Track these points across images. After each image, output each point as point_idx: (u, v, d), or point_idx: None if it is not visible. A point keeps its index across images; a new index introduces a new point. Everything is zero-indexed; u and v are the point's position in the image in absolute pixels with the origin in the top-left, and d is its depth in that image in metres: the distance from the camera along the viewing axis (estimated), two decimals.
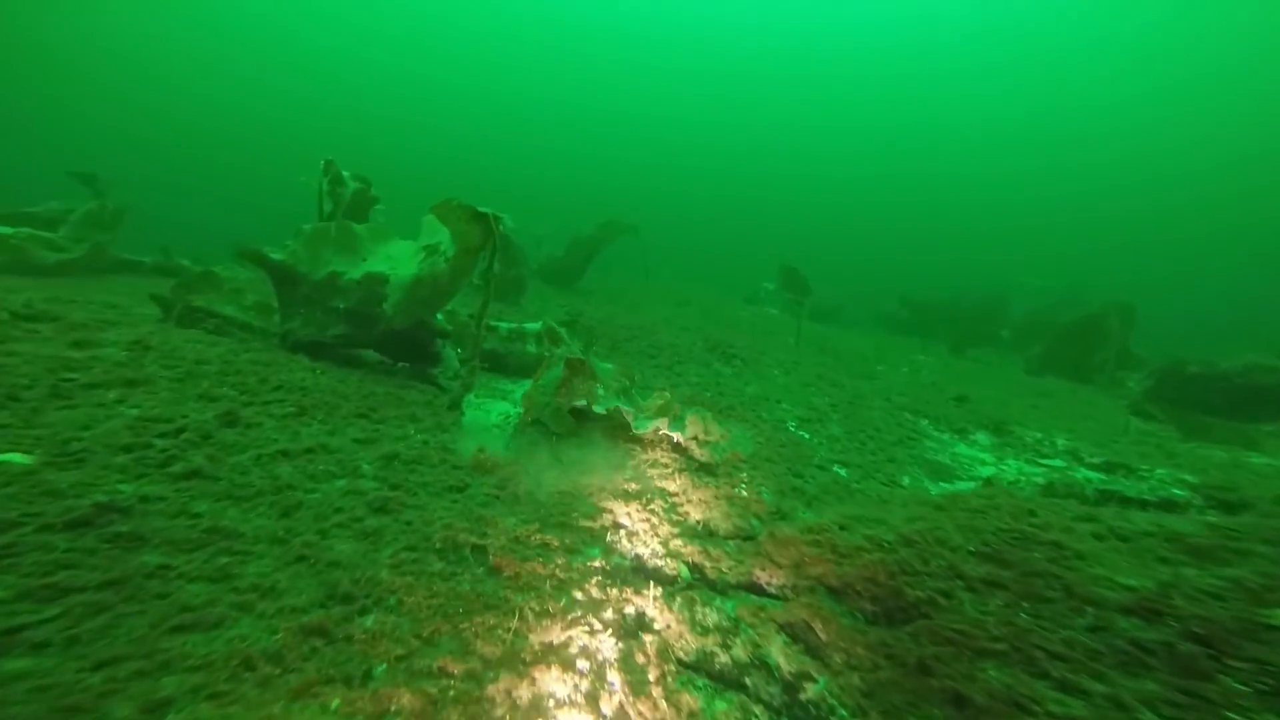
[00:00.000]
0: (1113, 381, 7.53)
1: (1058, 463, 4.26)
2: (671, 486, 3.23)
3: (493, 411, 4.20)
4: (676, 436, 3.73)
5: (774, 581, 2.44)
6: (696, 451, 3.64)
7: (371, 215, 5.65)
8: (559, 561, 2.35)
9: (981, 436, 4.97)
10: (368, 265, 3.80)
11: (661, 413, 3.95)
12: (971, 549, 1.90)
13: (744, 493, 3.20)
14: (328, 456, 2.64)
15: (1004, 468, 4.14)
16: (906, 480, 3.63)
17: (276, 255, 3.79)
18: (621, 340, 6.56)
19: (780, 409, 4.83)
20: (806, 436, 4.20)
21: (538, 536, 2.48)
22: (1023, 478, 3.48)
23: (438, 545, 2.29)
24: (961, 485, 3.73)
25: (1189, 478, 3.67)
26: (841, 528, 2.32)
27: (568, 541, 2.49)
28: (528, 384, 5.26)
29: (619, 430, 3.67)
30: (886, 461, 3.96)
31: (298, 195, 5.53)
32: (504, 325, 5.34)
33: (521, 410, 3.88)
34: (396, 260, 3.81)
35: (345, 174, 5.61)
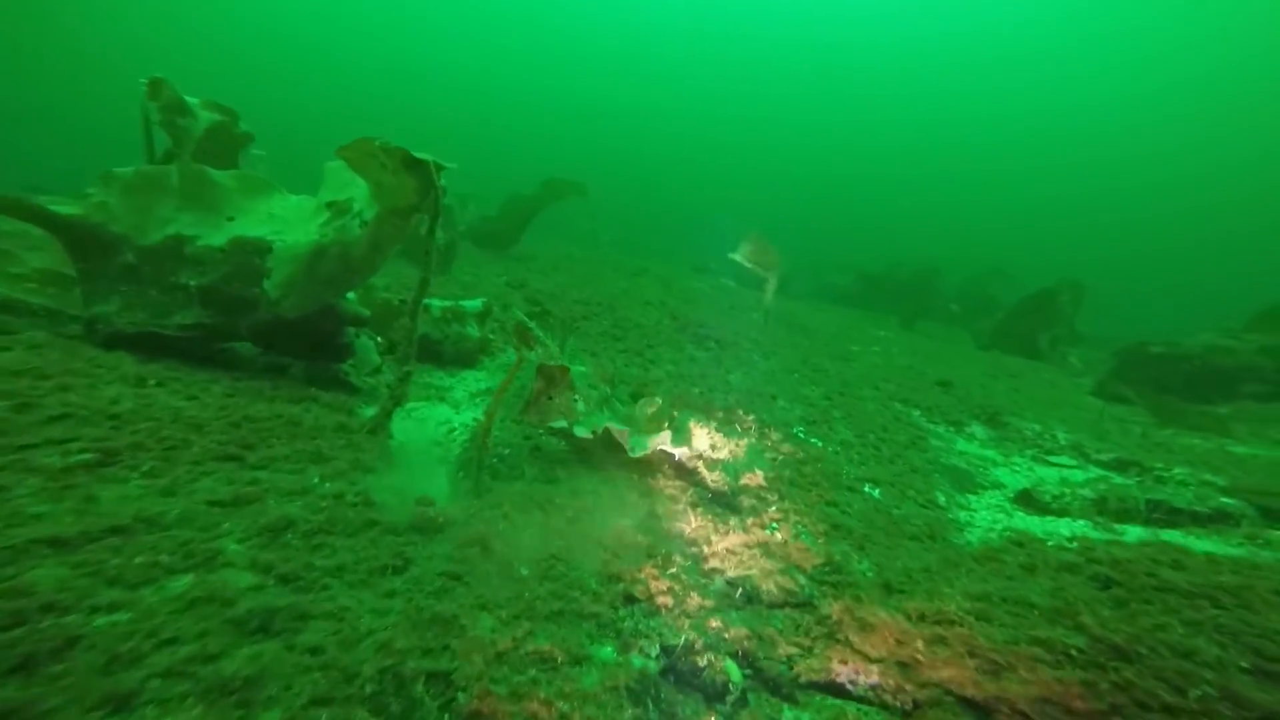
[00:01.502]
0: (1061, 359, 7.83)
1: (1067, 460, 4.07)
2: (688, 530, 2.52)
3: (429, 420, 3.22)
4: (679, 454, 3.01)
5: (864, 681, 1.83)
6: (706, 475, 2.95)
7: (244, 162, 4.17)
8: (566, 686, 1.57)
9: (978, 429, 4.74)
10: (236, 227, 2.61)
11: (656, 424, 3.19)
12: (1244, 665, 1.35)
13: (779, 535, 2.57)
14: (156, 535, 1.62)
15: (1024, 471, 3.86)
16: (941, 498, 3.19)
17: (67, 208, 2.48)
18: (579, 318, 5.65)
19: (777, 406, 4.25)
20: (819, 444, 3.65)
21: (530, 645, 1.67)
22: (1066, 490, 3.14)
23: (368, 689, 1.43)
24: (990, 497, 3.36)
25: (1211, 478, 3.55)
26: (976, 615, 1.72)
27: (571, 645, 1.71)
28: (469, 377, 4.28)
29: (610, 455, 2.87)
30: (909, 472, 3.51)
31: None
32: (437, 304, 4.25)
33: (475, 427, 2.95)
34: (283, 221, 2.66)
35: (192, 100, 4.04)
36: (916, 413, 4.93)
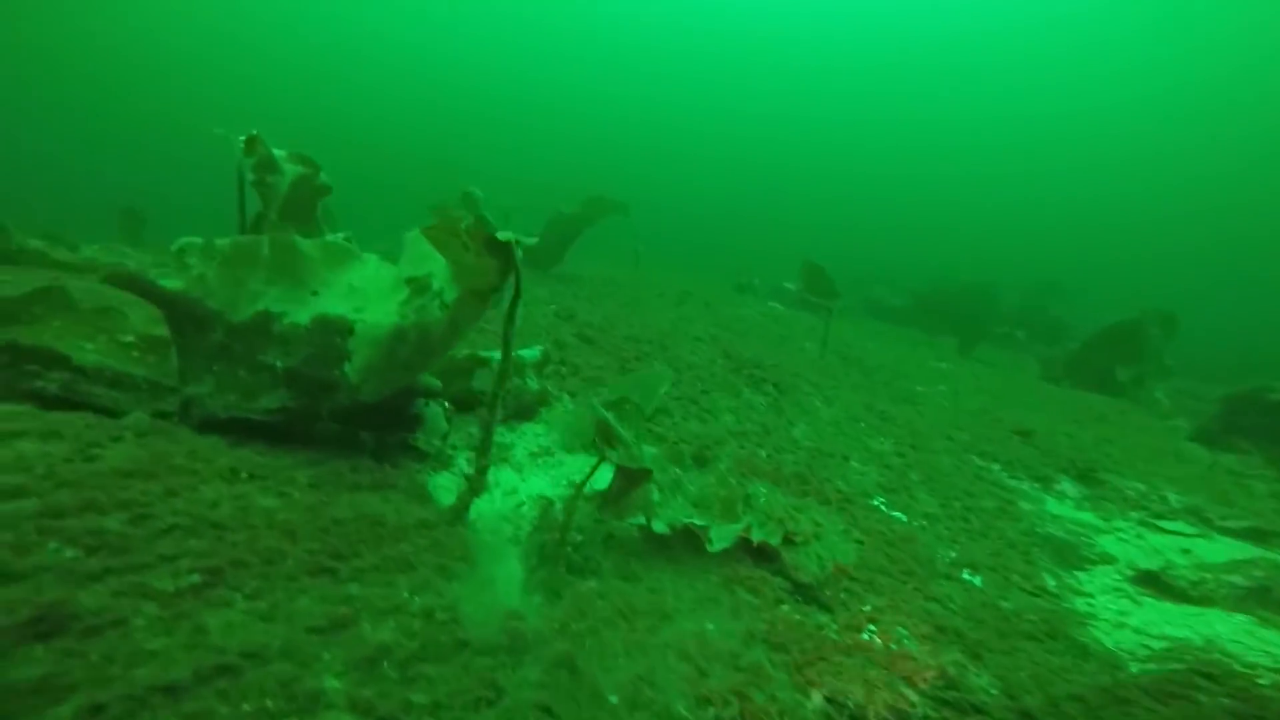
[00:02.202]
0: (1148, 397, 7.29)
1: (1185, 527, 3.71)
2: (774, 635, 2.36)
3: (496, 490, 3.16)
4: (757, 541, 2.86)
5: None
6: (789, 564, 2.79)
7: (321, 216, 4.22)
8: None
9: (1068, 486, 4.40)
10: (321, 303, 2.63)
11: (729, 509, 3.05)
12: None
13: (878, 639, 2.38)
14: (260, 673, 1.58)
15: (1133, 540, 3.54)
16: (1049, 580, 2.92)
17: (171, 282, 2.56)
18: (631, 359, 5.57)
19: (851, 469, 4.04)
20: (903, 519, 3.44)
21: None
22: (1202, 572, 2.83)
23: None
24: (1104, 576, 3.07)
25: None
26: None
27: None
28: (528, 431, 4.22)
29: (688, 547, 2.76)
30: (1006, 548, 3.25)
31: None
32: (493, 355, 4.24)
33: (546, 508, 2.88)
34: (364, 295, 2.67)
35: (279, 153, 4.05)
36: (997, 467, 4.63)
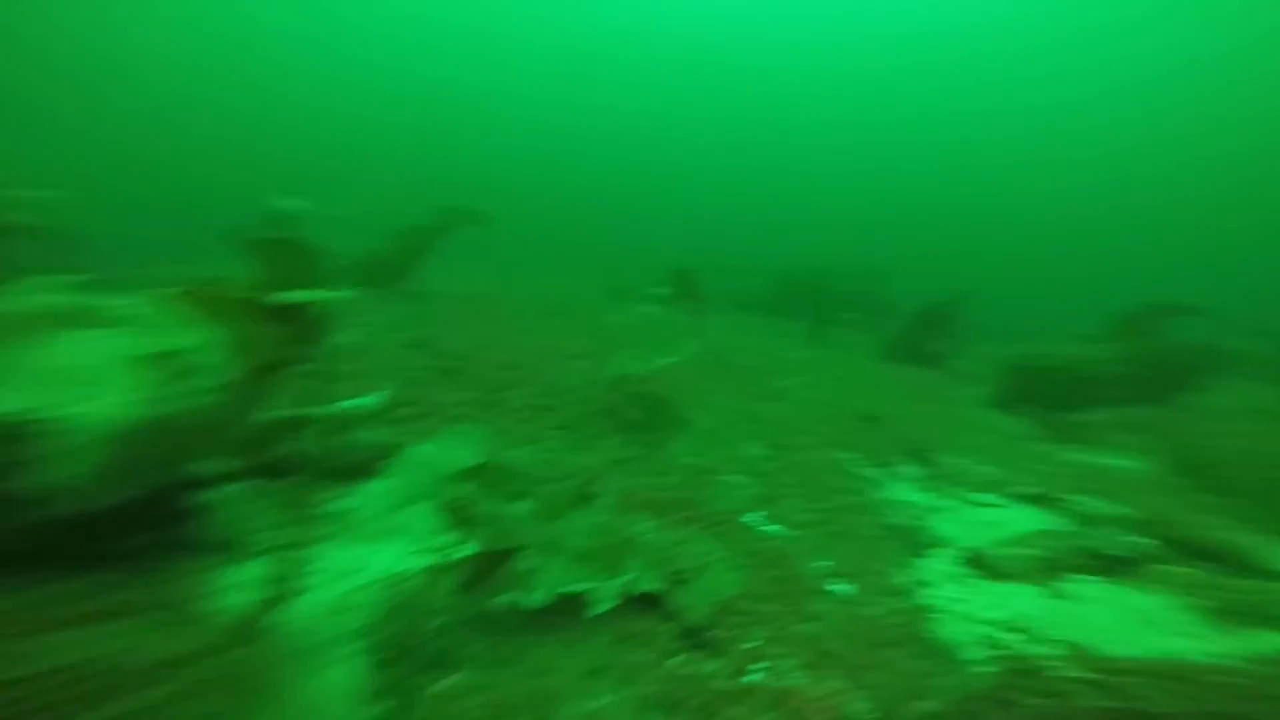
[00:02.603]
0: (954, 367, 8.68)
1: (993, 498, 4.41)
2: (668, 696, 2.31)
3: (326, 575, 2.67)
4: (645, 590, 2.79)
5: None
6: (675, 608, 2.77)
7: None
8: None
9: (907, 468, 5.01)
10: None
11: (613, 560, 2.95)
12: None
13: (766, 680, 2.44)
14: None
15: (957, 516, 4.11)
16: (902, 577, 3.26)
17: None
18: (498, 388, 5.19)
19: (727, 485, 4.17)
20: (778, 532, 3.61)
21: None
22: (1009, 549, 3.34)
23: None
24: (942, 561, 3.51)
25: (1119, 509, 4.00)
26: None
27: None
28: (375, 490, 3.70)
29: (569, 613, 2.59)
30: (866, 547, 3.57)
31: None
32: (319, 411, 3.62)
33: (385, 599, 2.49)
34: (69, 380, 2.03)
35: None
36: (852, 457, 5.12)
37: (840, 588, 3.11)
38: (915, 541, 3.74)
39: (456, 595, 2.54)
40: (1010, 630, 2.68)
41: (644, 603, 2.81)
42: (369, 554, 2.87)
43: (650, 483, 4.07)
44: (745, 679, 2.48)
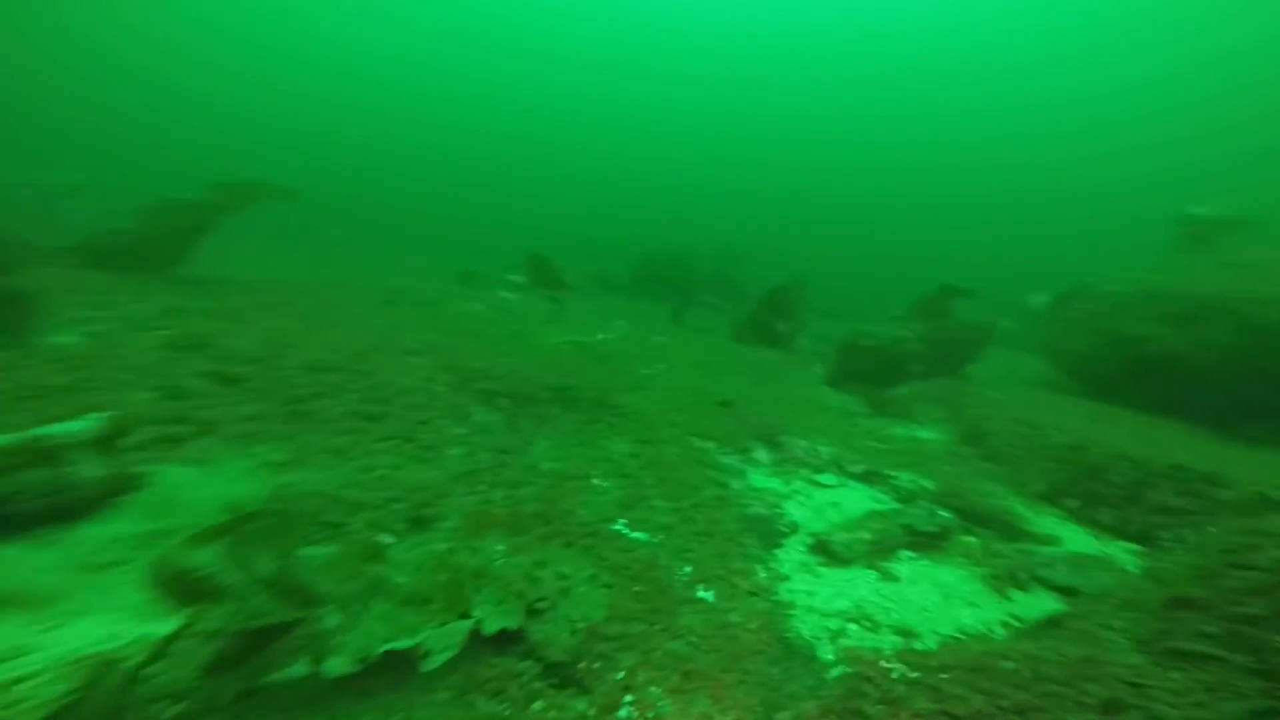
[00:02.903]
0: (795, 346, 9.51)
1: (831, 478, 4.82)
2: None
3: None
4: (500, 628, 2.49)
5: None
6: (538, 643, 2.51)
7: None
8: None
9: (760, 453, 5.30)
10: None
11: (455, 596, 2.60)
12: None
13: (637, 713, 2.30)
14: None
15: (804, 499, 4.41)
16: (761, 574, 3.37)
17: None
18: (307, 397, 4.34)
19: (592, 490, 3.97)
20: (644, 540, 3.50)
21: None
22: (847, 533, 3.64)
23: None
24: (794, 550, 3.73)
25: (926, 483, 4.60)
26: None
27: None
28: (87, 541, 2.79)
29: (397, 675, 2.19)
30: (727, 544, 3.63)
31: None
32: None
33: (87, 683, 1.85)
34: None
35: None
36: (711, 445, 5.26)
37: (705, 594, 3.10)
38: (772, 531, 3.92)
39: (206, 677, 1.94)
40: (853, 620, 2.88)
41: (499, 642, 2.51)
42: (54, 629, 2.11)
43: (505, 496, 3.71)
44: (618, 714, 2.33)
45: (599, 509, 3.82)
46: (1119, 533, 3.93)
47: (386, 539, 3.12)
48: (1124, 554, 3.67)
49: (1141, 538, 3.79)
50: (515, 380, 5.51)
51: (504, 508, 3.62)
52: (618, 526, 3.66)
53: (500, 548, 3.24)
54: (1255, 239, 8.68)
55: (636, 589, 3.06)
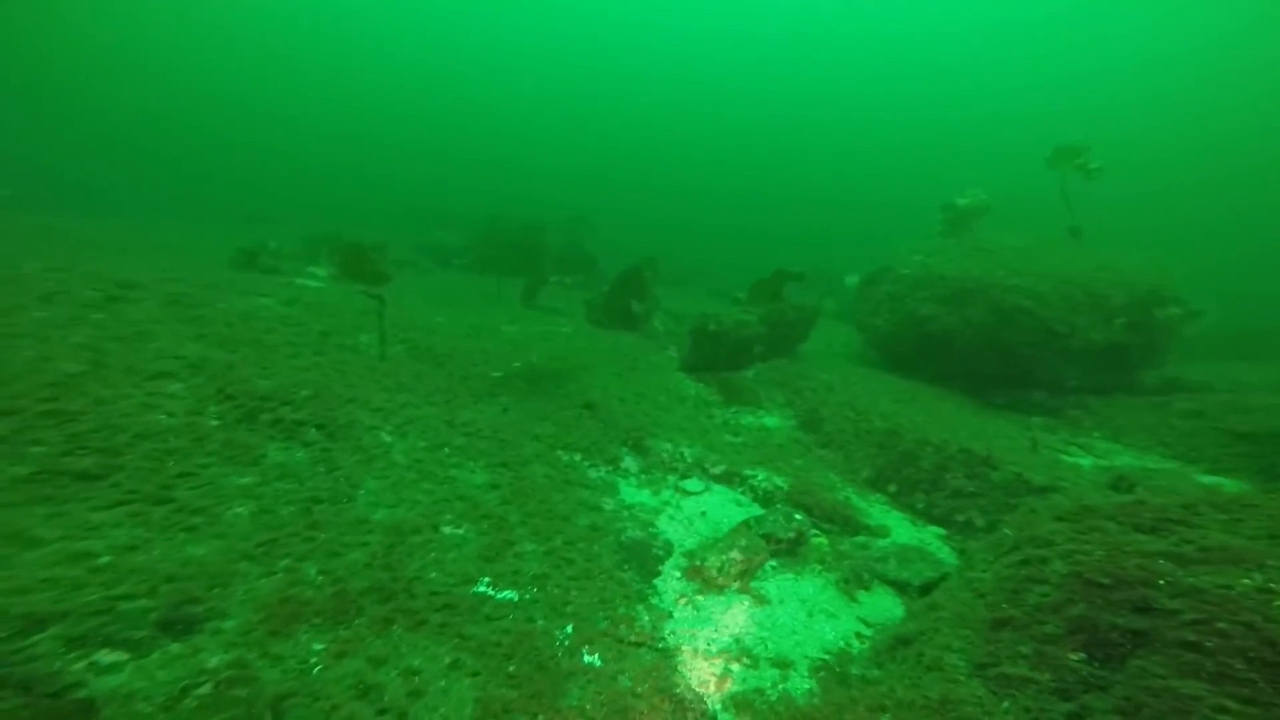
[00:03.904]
0: (650, 328, 9.60)
1: (696, 484, 4.95)
2: None
3: None
4: None
5: None
6: None
7: None
8: None
9: (629, 460, 5.22)
10: None
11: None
12: None
13: None
14: None
15: (674, 512, 4.45)
16: (645, 617, 3.27)
17: None
18: None
19: (444, 542, 3.48)
20: (514, 598, 3.17)
21: None
22: (719, 556, 3.74)
23: None
24: (672, 577, 3.72)
25: (779, 480, 4.95)
26: None
27: None
28: None
29: None
30: (607, 585, 3.48)
31: None
32: None
33: None
34: None
35: None
36: (579, 458, 5.03)
37: (591, 659, 2.91)
38: (649, 557, 3.87)
39: None
40: (735, 660, 2.95)
41: None
42: None
43: (322, 569, 3.06)
44: None
45: (455, 567, 3.37)
46: (928, 516, 4.69)
47: (112, 658, 2.35)
48: (934, 539, 4.39)
49: (943, 520, 4.58)
50: (327, 402, 4.58)
51: (320, 587, 2.98)
52: (481, 588, 3.27)
53: (317, 647, 2.66)
54: (992, 224, 10.85)
55: (511, 669, 2.76)
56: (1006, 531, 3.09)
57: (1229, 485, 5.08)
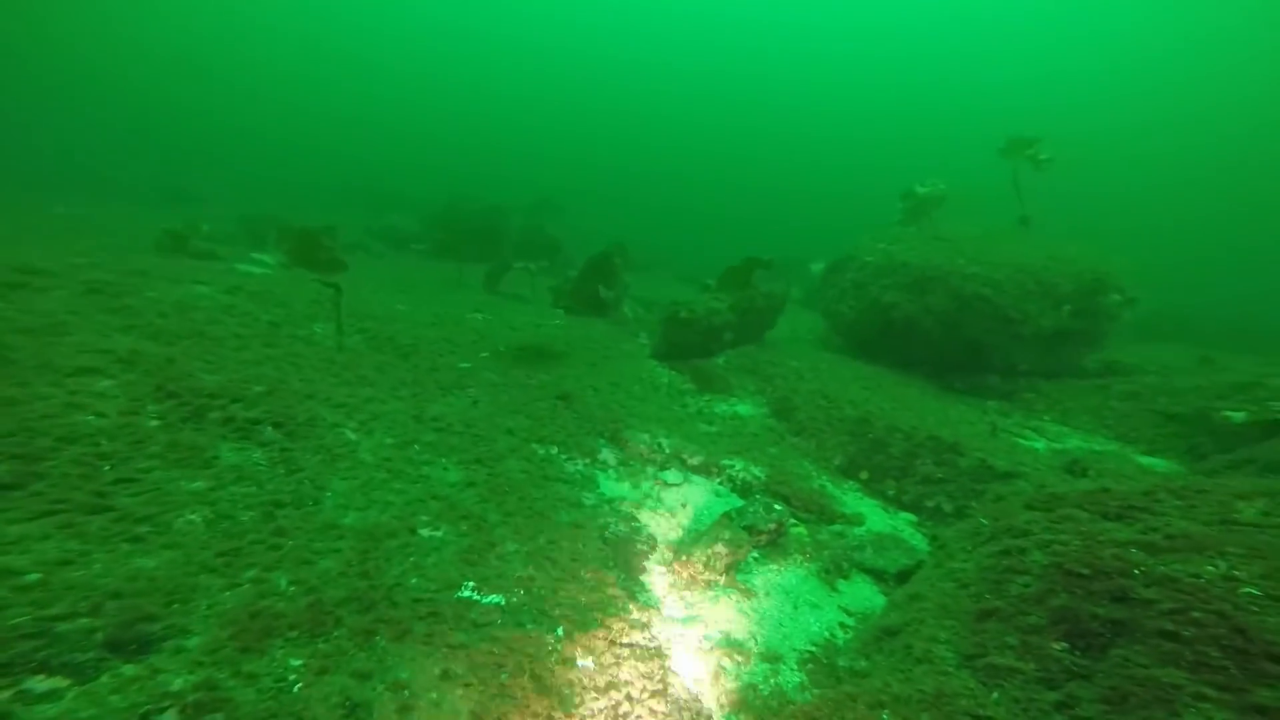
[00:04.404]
0: (620, 314, 9.48)
1: (675, 476, 4.94)
2: None
3: None
4: None
5: None
6: None
7: None
8: None
9: (606, 453, 5.16)
10: None
11: None
12: None
13: None
14: None
15: (655, 507, 4.43)
16: (637, 616, 3.25)
17: None
18: None
19: (422, 545, 3.34)
20: (501, 603, 3.08)
21: None
22: (703, 549, 3.75)
23: None
24: (657, 574, 3.71)
25: (756, 470, 5.00)
26: None
27: None
28: None
29: None
30: (595, 586, 3.43)
31: None
32: None
33: None
34: None
35: None
36: (556, 452, 4.92)
37: (584, 662, 2.87)
38: (634, 554, 3.83)
39: None
40: (726, 655, 2.97)
41: None
42: None
43: (294, 579, 2.89)
44: None
45: (436, 572, 3.24)
46: (898, 503, 4.86)
47: (47, 684, 2.16)
48: (906, 525, 4.56)
49: (914, 507, 4.75)
50: (283, 398, 4.30)
51: (293, 598, 2.81)
52: (466, 593, 3.16)
53: (295, 663, 2.51)
54: (948, 214, 11.22)
55: (504, 679, 2.68)
56: (982, 520, 3.21)
57: (1160, 465, 5.50)
